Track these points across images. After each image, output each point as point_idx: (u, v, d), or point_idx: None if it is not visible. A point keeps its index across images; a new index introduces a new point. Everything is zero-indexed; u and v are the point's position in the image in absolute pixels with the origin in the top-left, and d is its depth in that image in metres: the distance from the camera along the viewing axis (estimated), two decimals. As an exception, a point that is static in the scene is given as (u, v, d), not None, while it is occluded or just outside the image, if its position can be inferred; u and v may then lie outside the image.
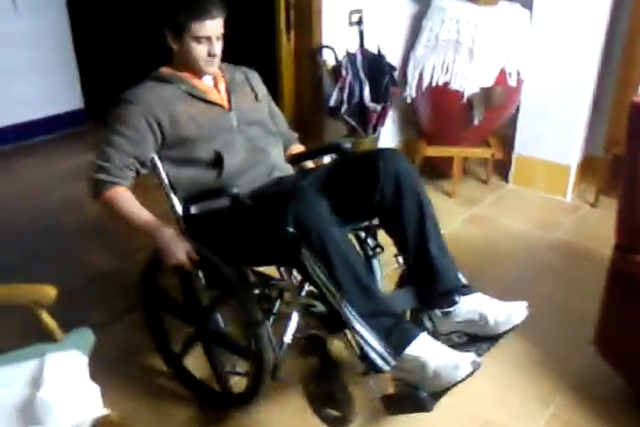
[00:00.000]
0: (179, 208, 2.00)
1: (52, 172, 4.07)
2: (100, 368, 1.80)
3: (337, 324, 1.73)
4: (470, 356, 1.64)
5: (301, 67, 3.31)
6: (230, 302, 1.92)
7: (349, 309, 1.68)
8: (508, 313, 1.81)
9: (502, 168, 3.80)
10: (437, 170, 3.78)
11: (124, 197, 1.92)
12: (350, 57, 3.19)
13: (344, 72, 3.15)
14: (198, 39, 1.91)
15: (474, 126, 3.48)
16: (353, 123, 3.22)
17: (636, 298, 1.64)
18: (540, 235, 3.24)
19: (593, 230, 3.24)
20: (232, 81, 2.09)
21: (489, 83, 3.36)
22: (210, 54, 1.94)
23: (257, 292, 1.91)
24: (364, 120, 3.24)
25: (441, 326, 1.88)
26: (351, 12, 3.29)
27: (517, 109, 3.62)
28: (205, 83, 2.04)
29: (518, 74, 3.42)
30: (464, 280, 1.92)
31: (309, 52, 3.25)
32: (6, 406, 1.51)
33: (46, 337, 1.75)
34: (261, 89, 2.18)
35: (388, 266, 2.15)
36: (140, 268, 2.12)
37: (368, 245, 2.09)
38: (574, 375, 2.25)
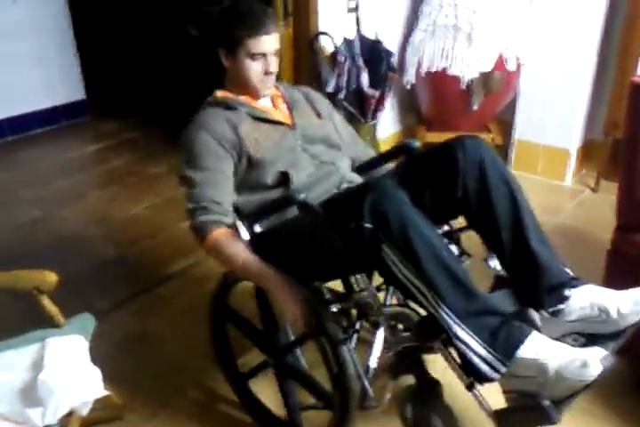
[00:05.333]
0: (245, 235, 1.78)
1: (54, 163, 4.08)
2: (103, 353, 1.82)
3: (432, 331, 1.49)
4: (599, 351, 1.39)
5: (299, 54, 3.30)
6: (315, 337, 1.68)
7: (445, 310, 1.44)
8: (633, 301, 1.50)
9: (502, 154, 3.79)
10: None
11: (230, 238, 1.70)
12: (348, 43, 3.18)
13: (342, 58, 3.14)
14: (253, 56, 1.78)
15: (473, 112, 3.48)
16: (352, 109, 3.22)
17: (636, 278, 1.64)
18: (542, 220, 3.14)
19: (594, 214, 3.23)
20: (291, 99, 1.97)
21: (488, 68, 3.35)
22: (266, 72, 1.82)
23: (334, 310, 1.67)
24: (363, 106, 3.23)
25: (550, 329, 1.55)
26: (348, -2, 3.28)
27: (517, 94, 3.61)
28: (264, 104, 1.92)
29: (517, 59, 3.41)
30: (571, 273, 1.65)
31: (307, 38, 3.24)
32: (8, 389, 1.54)
33: (48, 323, 1.77)
34: (323, 106, 2.04)
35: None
36: (213, 288, 1.98)
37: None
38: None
